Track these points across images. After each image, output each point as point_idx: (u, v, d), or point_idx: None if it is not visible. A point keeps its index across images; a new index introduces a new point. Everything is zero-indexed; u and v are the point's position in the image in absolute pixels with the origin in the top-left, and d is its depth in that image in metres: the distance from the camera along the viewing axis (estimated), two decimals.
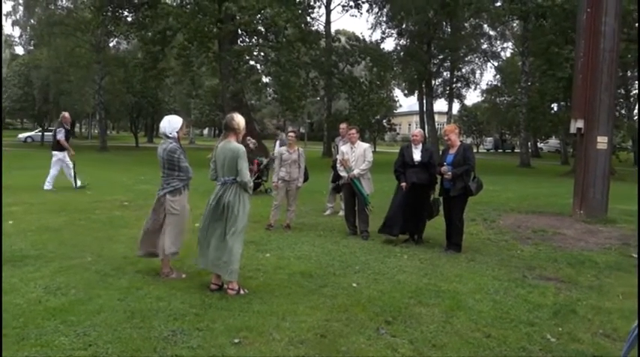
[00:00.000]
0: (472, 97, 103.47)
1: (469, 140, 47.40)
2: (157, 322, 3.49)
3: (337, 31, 40.37)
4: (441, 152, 6.75)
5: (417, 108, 38.67)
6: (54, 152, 10.56)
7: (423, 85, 33.94)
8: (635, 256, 6.01)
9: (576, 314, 4.05)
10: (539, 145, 45.18)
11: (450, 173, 5.95)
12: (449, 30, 33.24)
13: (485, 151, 51.17)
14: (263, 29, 21.49)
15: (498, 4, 27.79)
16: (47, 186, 10.35)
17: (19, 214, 7.38)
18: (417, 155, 6.43)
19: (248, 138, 9.59)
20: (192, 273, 4.68)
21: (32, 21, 32.67)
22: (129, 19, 24.52)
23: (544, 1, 20.84)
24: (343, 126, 8.46)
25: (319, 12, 31.83)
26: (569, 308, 4.16)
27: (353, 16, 53.81)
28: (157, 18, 20.83)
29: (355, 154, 7.00)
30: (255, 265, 5.09)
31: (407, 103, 55.35)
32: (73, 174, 10.67)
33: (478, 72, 45.16)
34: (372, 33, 76.98)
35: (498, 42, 39.46)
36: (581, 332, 3.69)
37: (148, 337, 3.25)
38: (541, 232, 7.47)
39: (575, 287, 4.81)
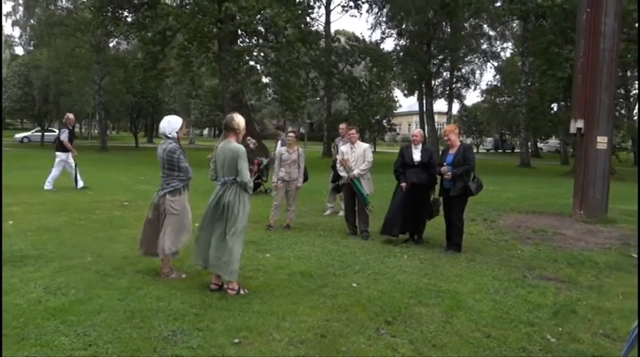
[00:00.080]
0: (472, 97, 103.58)
1: (469, 140, 47.39)
2: (157, 322, 3.49)
3: (337, 32, 40.37)
4: (440, 152, 6.76)
5: (416, 108, 38.67)
6: (57, 153, 10.57)
7: (423, 86, 33.93)
8: (635, 256, 6.01)
9: (576, 314, 4.06)
10: (539, 145, 45.19)
11: (449, 173, 5.95)
12: (449, 30, 33.23)
13: (485, 151, 51.17)
14: (263, 29, 21.50)
15: (498, 4, 27.81)
16: (47, 186, 10.35)
17: (19, 214, 7.38)
18: (416, 155, 6.43)
19: (248, 138, 9.61)
20: (192, 273, 4.68)
21: (32, 21, 32.65)
22: (129, 19, 24.53)
23: (544, 1, 20.83)
24: (343, 126, 8.46)
25: (319, 12, 31.88)
26: (569, 308, 4.16)
27: (353, 16, 53.64)
28: (156, 18, 20.84)
29: (355, 154, 7.01)
30: (255, 265, 5.09)
31: (407, 103, 55.46)
32: (74, 174, 10.68)
33: (478, 72, 45.34)
34: (371, 33, 77.15)
35: (498, 42, 39.54)
36: (581, 332, 3.69)
37: (148, 337, 3.25)
38: (541, 232, 7.47)
39: (575, 287, 4.81)
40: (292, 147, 7.41)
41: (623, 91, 29.15)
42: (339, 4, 33.69)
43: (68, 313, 3.59)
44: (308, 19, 23.79)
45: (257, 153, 12.26)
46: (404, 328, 3.63)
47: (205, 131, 70.61)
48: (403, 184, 6.43)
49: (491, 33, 37.76)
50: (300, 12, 21.22)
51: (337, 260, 5.50)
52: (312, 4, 24.66)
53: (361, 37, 33.60)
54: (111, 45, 35.47)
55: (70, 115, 11.03)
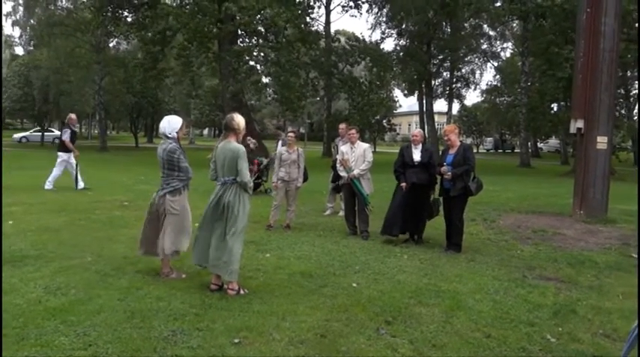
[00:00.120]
0: (472, 97, 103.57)
1: (469, 140, 47.40)
2: (157, 322, 3.49)
3: (337, 32, 40.35)
4: (440, 152, 6.76)
5: (416, 108, 38.67)
6: (59, 153, 10.57)
7: (423, 86, 33.93)
8: (635, 256, 6.01)
9: (576, 314, 4.05)
10: (539, 145, 45.18)
11: (449, 173, 5.95)
12: (449, 30, 33.23)
13: (485, 151, 51.17)
14: (263, 29, 21.50)
15: (498, 4, 27.80)
16: (48, 186, 10.35)
17: (19, 214, 7.38)
18: (416, 155, 6.43)
19: (248, 138, 9.62)
20: (192, 273, 4.68)
21: (32, 21, 32.65)
22: (129, 19, 24.54)
23: (544, 1, 20.83)
24: (343, 126, 8.47)
25: (319, 12, 31.88)
26: (569, 308, 4.16)
27: (353, 16, 53.63)
28: (156, 18, 20.85)
29: (355, 154, 7.01)
30: (255, 265, 5.09)
31: (407, 103, 55.44)
32: (75, 174, 10.68)
33: (478, 72, 45.32)
34: (371, 33, 77.18)
35: (498, 42, 39.54)
36: (581, 332, 3.69)
37: (148, 337, 3.25)
38: (541, 232, 7.47)
39: (575, 287, 4.81)
40: (292, 147, 7.41)
41: (623, 91, 29.14)
42: (339, 4, 33.74)
43: (68, 313, 3.59)
44: (308, 19, 23.81)
45: (257, 153, 12.26)
46: (404, 328, 3.63)
47: (205, 131, 70.62)
48: (403, 184, 6.43)
49: (491, 33, 37.79)
50: (300, 12, 21.23)
51: (337, 260, 5.50)
52: (312, 4, 24.67)
53: (361, 37, 33.63)
54: (111, 45, 35.50)
55: (73, 116, 11.04)
